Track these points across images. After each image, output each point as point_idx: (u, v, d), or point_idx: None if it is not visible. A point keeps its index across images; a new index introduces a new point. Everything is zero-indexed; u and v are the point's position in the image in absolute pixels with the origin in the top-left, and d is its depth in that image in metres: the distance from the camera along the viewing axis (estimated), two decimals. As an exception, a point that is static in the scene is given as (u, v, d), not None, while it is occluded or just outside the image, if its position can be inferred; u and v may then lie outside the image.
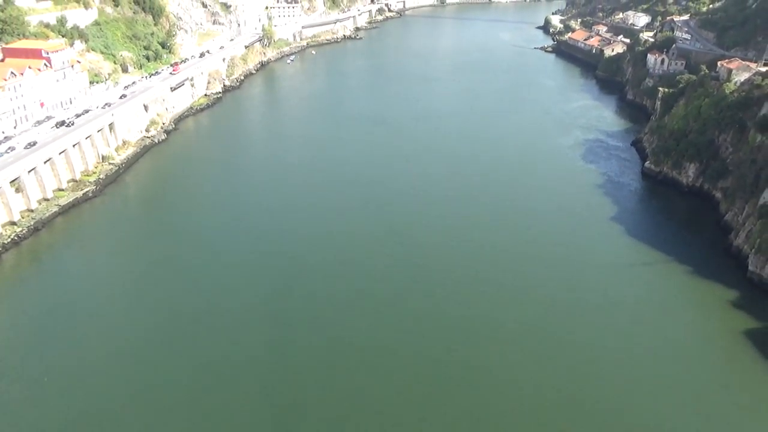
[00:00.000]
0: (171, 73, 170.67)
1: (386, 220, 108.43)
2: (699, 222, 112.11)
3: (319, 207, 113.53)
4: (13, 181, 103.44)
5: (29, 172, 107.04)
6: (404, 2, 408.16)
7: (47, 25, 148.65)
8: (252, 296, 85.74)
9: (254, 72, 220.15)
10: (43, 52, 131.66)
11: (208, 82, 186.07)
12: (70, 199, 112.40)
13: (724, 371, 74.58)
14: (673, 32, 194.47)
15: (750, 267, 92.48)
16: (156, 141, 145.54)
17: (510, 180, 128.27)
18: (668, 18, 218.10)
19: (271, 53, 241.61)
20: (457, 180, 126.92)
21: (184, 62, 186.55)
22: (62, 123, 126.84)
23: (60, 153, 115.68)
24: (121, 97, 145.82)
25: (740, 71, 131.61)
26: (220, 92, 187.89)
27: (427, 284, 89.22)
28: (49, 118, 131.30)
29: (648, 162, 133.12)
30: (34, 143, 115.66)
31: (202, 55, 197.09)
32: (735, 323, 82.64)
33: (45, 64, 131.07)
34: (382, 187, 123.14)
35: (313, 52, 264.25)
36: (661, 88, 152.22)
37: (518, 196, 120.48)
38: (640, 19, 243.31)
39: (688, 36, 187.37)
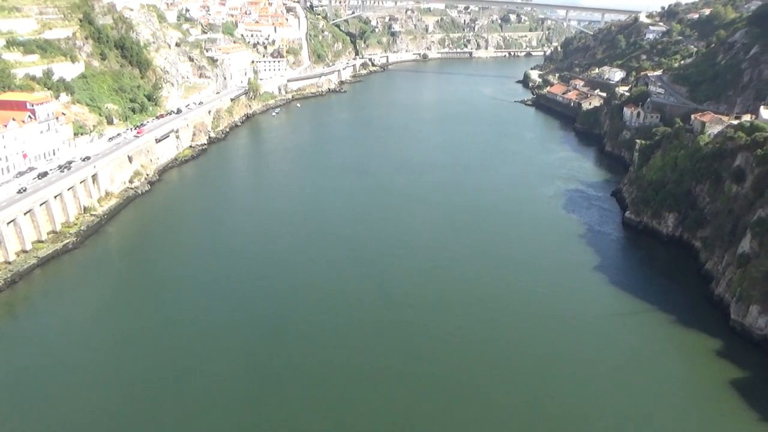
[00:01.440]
0: (135, 136, 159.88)
1: (370, 272, 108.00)
2: (680, 271, 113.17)
3: (303, 258, 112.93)
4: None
5: (8, 223, 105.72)
6: (387, 57, 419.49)
7: (33, 78, 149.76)
8: (235, 350, 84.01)
9: (240, 124, 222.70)
10: (28, 104, 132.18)
11: (194, 134, 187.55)
12: (50, 251, 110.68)
13: (710, 421, 73.91)
14: (647, 87, 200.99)
15: (732, 315, 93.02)
16: (140, 192, 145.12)
17: (494, 229, 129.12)
18: (642, 73, 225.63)
19: (256, 106, 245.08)
20: (440, 230, 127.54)
21: (169, 115, 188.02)
22: (44, 174, 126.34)
23: (41, 204, 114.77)
24: (83, 160, 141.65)
25: (713, 124, 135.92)
26: (205, 144, 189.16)
27: (411, 338, 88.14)
28: (31, 169, 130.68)
29: (628, 212, 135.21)
30: (24, 189, 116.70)
31: (178, 111, 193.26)
32: (719, 373, 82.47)
33: (29, 116, 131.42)
34: (366, 238, 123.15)
35: (298, 104, 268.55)
36: (638, 140, 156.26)
37: (502, 245, 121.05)
38: (616, 74, 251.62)
39: (661, 90, 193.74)
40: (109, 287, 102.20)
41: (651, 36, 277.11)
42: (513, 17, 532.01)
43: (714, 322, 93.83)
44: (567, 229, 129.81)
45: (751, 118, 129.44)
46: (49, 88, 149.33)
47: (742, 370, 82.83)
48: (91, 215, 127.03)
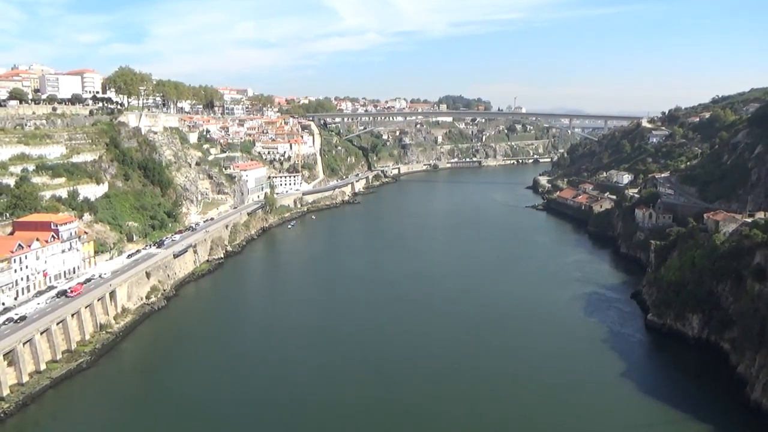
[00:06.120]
0: (68, 296, 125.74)
1: (385, 384, 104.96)
2: (712, 375, 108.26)
3: (318, 372, 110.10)
4: (7, 353, 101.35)
5: (24, 344, 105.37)
6: (399, 168, 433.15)
7: (59, 199, 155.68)
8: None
9: (256, 237, 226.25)
10: (52, 224, 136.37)
11: (211, 248, 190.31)
12: (63, 371, 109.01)
13: None
14: (656, 188, 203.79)
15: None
16: (156, 308, 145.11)
17: (513, 336, 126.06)
18: (650, 175, 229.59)
19: (272, 219, 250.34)
20: (458, 338, 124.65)
21: (188, 230, 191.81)
22: (63, 293, 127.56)
23: (58, 323, 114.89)
24: (101, 277, 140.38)
25: (727, 222, 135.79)
26: (222, 258, 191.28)
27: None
28: (51, 288, 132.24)
29: (651, 314, 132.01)
30: (24, 317, 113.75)
31: (182, 232, 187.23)
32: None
33: (53, 236, 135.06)
34: (381, 347, 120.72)
35: (313, 216, 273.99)
36: (653, 241, 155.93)
37: (524, 353, 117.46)
38: (624, 177, 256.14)
39: (671, 191, 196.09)
40: (120, 408, 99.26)
41: (654, 140, 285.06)
42: (519, 127, 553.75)
43: (755, 431, 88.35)
44: (589, 333, 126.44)
45: (764, 215, 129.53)
46: (73, 209, 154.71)
47: (792, 483, 76.99)
48: (107, 332, 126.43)
